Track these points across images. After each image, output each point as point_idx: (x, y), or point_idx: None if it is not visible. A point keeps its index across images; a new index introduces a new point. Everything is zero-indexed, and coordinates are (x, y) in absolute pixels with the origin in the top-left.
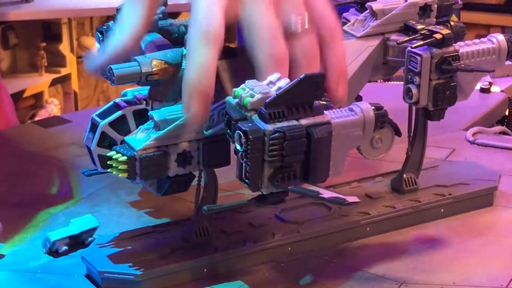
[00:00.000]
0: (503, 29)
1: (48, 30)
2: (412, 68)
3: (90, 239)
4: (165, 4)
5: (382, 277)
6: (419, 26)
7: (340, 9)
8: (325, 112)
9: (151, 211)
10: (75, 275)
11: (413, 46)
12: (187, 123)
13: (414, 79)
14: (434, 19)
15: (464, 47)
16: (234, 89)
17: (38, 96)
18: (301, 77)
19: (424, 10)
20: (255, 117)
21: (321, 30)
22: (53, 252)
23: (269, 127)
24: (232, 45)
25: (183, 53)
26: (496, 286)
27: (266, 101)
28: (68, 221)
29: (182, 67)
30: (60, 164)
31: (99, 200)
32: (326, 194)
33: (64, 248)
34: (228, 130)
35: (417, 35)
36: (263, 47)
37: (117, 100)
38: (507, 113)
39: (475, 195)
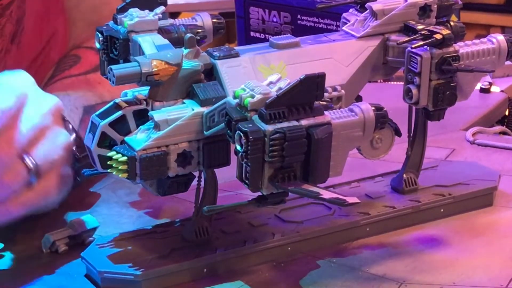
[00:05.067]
0: (503, 29)
1: None
2: (412, 68)
3: (90, 239)
4: (165, 4)
5: (382, 277)
6: (419, 27)
7: (340, 9)
8: (325, 112)
9: (151, 211)
10: (75, 275)
11: (413, 46)
12: None
13: (414, 79)
14: (434, 19)
15: (464, 47)
16: (234, 89)
17: None
18: (301, 77)
19: (424, 10)
20: (255, 117)
21: None
22: (53, 252)
23: (270, 127)
24: (232, 45)
25: (183, 53)
26: (496, 286)
27: (267, 101)
28: (67, 221)
29: (182, 67)
30: None
31: (99, 200)
32: (326, 194)
33: (64, 248)
34: (228, 131)
35: (417, 36)
36: None
37: (117, 100)
38: (507, 113)
39: (475, 195)
